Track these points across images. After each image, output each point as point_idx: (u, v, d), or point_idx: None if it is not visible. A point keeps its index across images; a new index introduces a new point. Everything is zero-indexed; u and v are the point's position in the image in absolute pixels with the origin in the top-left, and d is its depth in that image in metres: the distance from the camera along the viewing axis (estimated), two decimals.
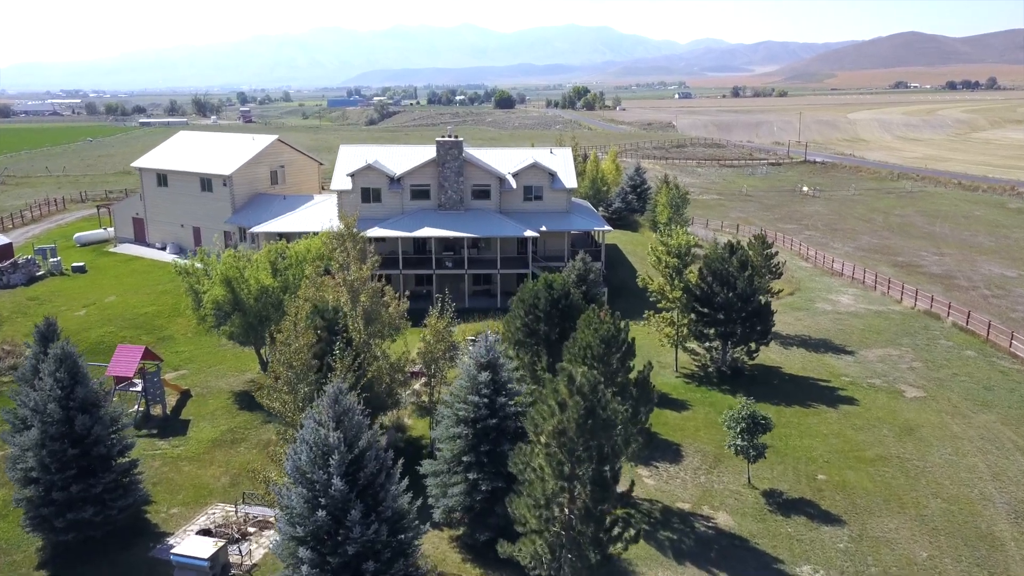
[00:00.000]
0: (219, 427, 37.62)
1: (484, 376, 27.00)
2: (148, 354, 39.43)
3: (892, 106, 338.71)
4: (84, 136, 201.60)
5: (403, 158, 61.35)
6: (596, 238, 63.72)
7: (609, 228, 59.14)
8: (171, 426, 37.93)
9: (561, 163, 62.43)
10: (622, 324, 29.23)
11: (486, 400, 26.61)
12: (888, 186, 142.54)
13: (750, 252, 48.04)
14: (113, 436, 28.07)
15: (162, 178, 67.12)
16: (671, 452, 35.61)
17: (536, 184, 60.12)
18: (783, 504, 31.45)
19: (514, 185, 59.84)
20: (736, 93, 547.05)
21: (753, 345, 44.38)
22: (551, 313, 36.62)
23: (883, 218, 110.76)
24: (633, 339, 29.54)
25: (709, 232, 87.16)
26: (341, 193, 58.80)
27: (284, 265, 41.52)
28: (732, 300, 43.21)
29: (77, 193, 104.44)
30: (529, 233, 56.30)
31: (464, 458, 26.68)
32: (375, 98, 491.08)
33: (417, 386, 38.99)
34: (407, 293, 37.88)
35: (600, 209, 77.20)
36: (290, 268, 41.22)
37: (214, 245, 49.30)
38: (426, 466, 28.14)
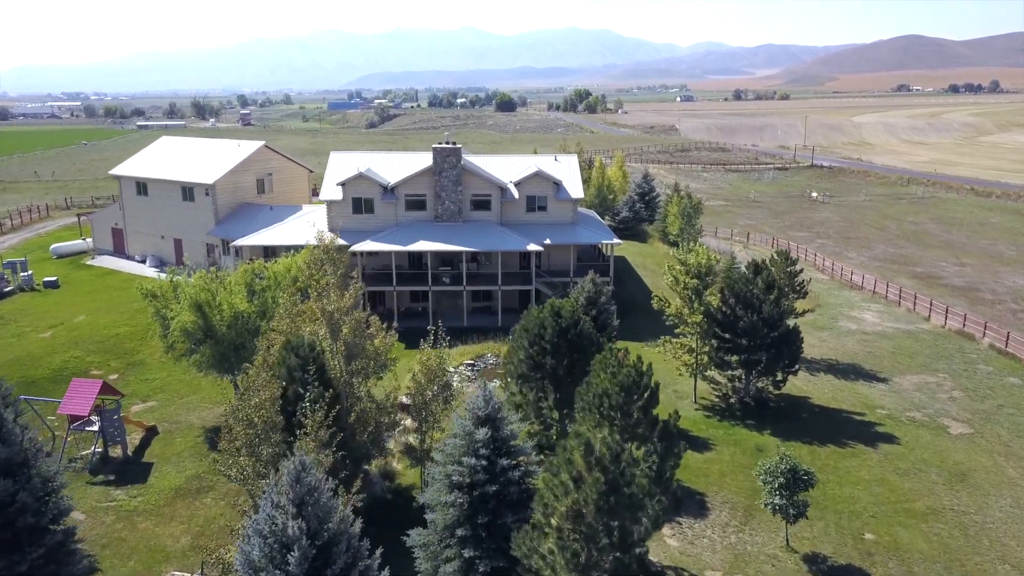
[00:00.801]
0: (185, 472, 33.26)
1: (482, 433, 22.64)
2: (107, 388, 35.08)
3: (896, 109, 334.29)
4: (79, 139, 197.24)
5: (397, 166, 57.05)
6: (604, 251, 59.34)
7: (618, 241, 54.77)
8: (131, 470, 33.55)
9: (566, 171, 58.12)
10: (644, 367, 24.87)
11: (484, 463, 22.25)
12: (899, 191, 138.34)
13: (772, 269, 43.76)
14: (48, 499, 23.70)
15: (142, 186, 62.68)
16: (695, 504, 31.24)
17: (540, 194, 55.78)
18: (828, 572, 27.08)
19: (516, 195, 55.52)
20: (738, 96, 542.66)
21: (780, 375, 40.06)
22: (559, 345, 32.34)
23: (897, 225, 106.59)
24: (657, 384, 25.19)
25: (719, 243, 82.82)
26: (331, 204, 54.46)
27: (261, 287, 37.20)
28: (757, 325, 38.90)
29: (63, 199, 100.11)
30: (532, 247, 51.97)
31: (458, 531, 22.32)
32: (376, 100, 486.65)
33: (408, 422, 34.70)
34: (395, 326, 33.50)
35: (606, 218, 72.89)
36: (268, 290, 36.91)
37: (185, 265, 44.77)
38: (414, 537, 23.79)
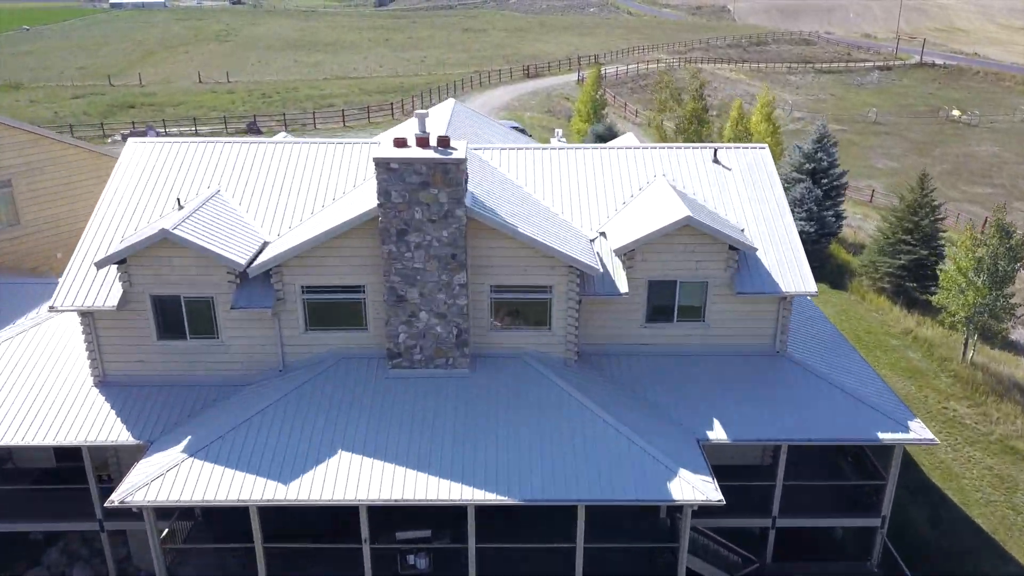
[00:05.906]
0: None
1: None
2: None
3: None
4: (20, 23, 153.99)
5: (286, 188, 19.76)
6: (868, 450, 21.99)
7: (926, 437, 17.80)
8: None
9: (750, 197, 20.60)
10: None
11: None
12: None
13: None
14: None
15: None
16: None
17: (687, 277, 18.51)
18: None
19: (624, 285, 18.39)
20: None
21: None
22: None
23: None
24: None
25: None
26: (93, 318, 17.85)
27: None
28: None
29: None
30: (687, 496, 15.50)
31: None
32: None
33: None
34: None
35: None
36: None
37: None
38: None
